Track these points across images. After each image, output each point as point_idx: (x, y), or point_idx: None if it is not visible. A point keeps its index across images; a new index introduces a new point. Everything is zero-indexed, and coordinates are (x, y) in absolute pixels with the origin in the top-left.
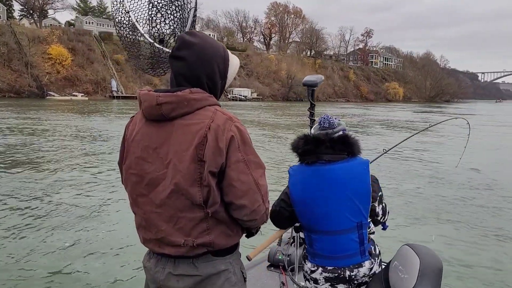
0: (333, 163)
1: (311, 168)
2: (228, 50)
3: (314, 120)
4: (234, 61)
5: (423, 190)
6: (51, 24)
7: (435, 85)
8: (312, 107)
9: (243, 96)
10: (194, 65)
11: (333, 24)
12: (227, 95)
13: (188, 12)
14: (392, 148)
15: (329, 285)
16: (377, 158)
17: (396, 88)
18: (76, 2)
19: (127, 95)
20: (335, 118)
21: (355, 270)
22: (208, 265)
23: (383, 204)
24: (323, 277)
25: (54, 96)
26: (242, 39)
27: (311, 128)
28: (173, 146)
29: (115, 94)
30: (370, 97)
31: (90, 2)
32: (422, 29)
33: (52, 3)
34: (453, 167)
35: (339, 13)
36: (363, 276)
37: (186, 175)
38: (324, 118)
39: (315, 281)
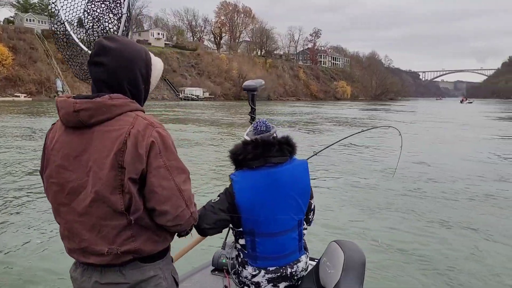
0: (279, 165)
1: (259, 172)
2: (151, 54)
3: None
4: (157, 65)
5: (375, 184)
6: None
7: (380, 83)
8: (252, 111)
9: (195, 96)
10: (114, 70)
11: (282, 24)
12: (179, 95)
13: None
14: (323, 149)
15: (272, 285)
16: (309, 158)
17: (344, 86)
18: None
19: (73, 95)
20: (265, 121)
21: (295, 266)
22: (136, 272)
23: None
24: (265, 279)
25: None
26: (192, 38)
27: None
28: (93, 153)
29: (60, 95)
30: (320, 96)
31: None
32: (367, 30)
33: None
34: (401, 162)
35: (287, 13)
36: (302, 270)
37: (106, 183)
38: (261, 122)
39: (257, 284)
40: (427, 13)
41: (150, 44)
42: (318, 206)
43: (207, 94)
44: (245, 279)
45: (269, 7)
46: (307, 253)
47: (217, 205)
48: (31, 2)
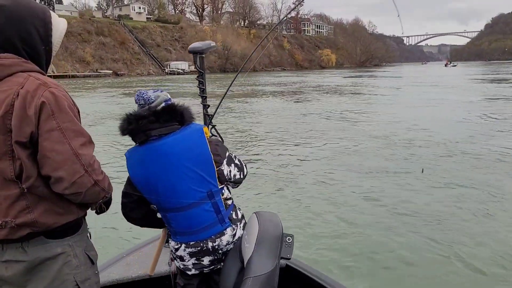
0: (164, 137)
1: (145, 147)
2: (53, 13)
3: (204, 89)
4: (60, 25)
5: (363, 148)
6: None
7: (365, 50)
8: (200, 75)
9: (181, 70)
10: (3, 28)
11: None
12: (164, 70)
13: None
14: (216, 109)
15: (195, 259)
16: (211, 118)
17: (329, 54)
18: None
19: (59, 74)
20: (156, 91)
21: (217, 240)
22: (40, 249)
23: (236, 163)
24: (187, 253)
25: None
26: (173, 11)
27: (201, 98)
28: None
29: (45, 74)
30: (305, 65)
31: None
32: None
33: None
34: (391, 128)
35: None
36: (227, 244)
37: None
38: (138, 95)
39: (181, 258)
40: None
41: (131, 18)
42: (311, 173)
43: (192, 68)
44: (171, 253)
45: None
46: (235, 226)
47: (124, 188)
48: None
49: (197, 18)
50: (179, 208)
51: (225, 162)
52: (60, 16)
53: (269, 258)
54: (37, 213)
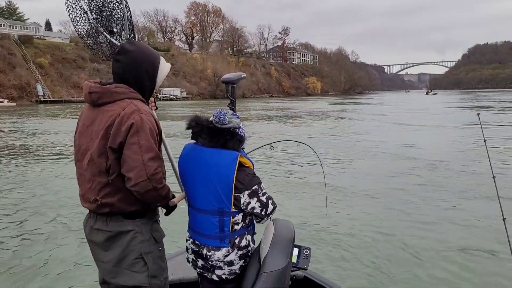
0: (207, 147)
1: (194, 145)
2: (162, 59)
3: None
4: (164, 69)
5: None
6: None
7: (348, 78)
8: (232, 103)
9: (173, 96)
10: (126, 67)
11: (248, 22)
12: (157, 95)
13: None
14: (256, 149)
15: (193, 256)
16: (254, 150)
17: (315, 82)
18: None
19: (55, 99)
20: (234, 115)
21: (211, 252)
22: (117, 224)
23: (261, 199)
24: (190, 248)
25: None
26: (163, 38)
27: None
28: (96, 125)
29: (41, 99)
30: (292, 92)
31: None
32: (332, 26)
33: None
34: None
35: (253, 12)
36: (217, 260)
37: (97, 149)
38: (217, 113)
39: (187, 249)
40: (385, 8)
41: None
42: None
43: (184, 94)
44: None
45: (235, 6)
46: (232, 250)
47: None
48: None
49: (186, 46)
50: (195, 208)
51: (246, 192)
52: (52, 42)
53: (281, 257)
54: (116, 199)
